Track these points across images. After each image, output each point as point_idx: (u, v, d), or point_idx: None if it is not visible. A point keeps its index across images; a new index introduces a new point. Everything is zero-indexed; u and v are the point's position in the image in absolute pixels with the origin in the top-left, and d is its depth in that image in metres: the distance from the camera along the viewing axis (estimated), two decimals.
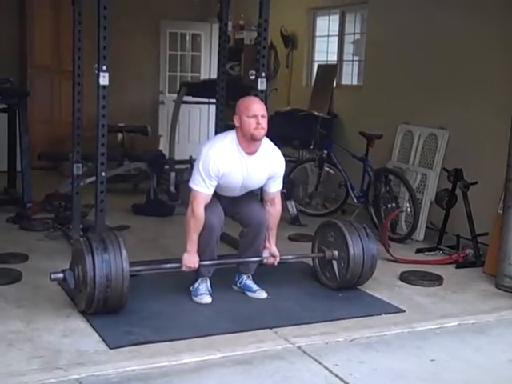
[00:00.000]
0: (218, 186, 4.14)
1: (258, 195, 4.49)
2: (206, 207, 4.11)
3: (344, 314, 4.14)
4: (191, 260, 4.12)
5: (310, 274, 4.84)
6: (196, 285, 4.29)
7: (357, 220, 6.25)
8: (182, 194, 4.29)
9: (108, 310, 3.86)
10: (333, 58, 7.95)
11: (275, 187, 4.32)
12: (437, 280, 4.85)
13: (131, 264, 3.91)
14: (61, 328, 3.72)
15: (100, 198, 4.59)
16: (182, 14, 9.20)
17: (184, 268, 4.14)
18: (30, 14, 8.86)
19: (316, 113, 7.11)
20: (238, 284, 4.45)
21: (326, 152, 6.85)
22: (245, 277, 4.45)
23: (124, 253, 3.84)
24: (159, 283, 4.53)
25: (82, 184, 5.48)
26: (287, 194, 6.55)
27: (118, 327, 3.75)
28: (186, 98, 7.64)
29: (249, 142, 4.08)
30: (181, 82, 8.66)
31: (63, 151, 6.93)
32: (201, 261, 4.18)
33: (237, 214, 4.36)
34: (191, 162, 6.38)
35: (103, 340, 3.57)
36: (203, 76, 10.01)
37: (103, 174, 4.60)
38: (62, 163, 8.18)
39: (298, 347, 3.62)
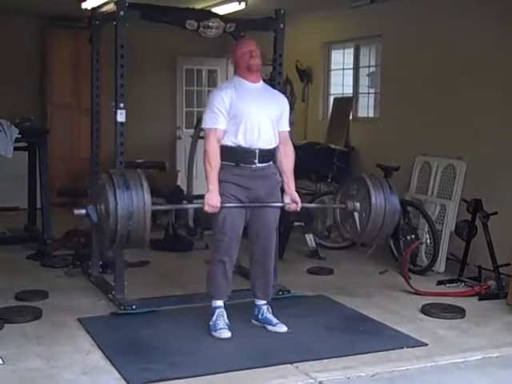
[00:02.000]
0: (241, 127, 4.11)
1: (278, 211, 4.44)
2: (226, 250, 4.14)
3: (365, 347, 4.08)
4: (213, 199, 4.09)
5: (329, 307, 4.79)
6: (214, 319, 4.26)
7: (376, 253, 6.26)
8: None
9: (131, 244, 3.90)
10: (348, 90, 7.99)
11: (285, 125, 4.37)
12: (459, 312, 4.78)
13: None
14: (80, 365, 3.71)
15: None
16: (197, 50, 9.31)
17: (207, 207, 4.11)
18: (49, 54, 9.05)
19: (333, 146, 7.12)
20: (259, 317, 4.40)
21: None
22: (264, 308, 4.40)
23: (145, 185, 3.88)
24: (178, 319, 4.51)
25: None
26: (306, 227, 6.54)
27: (138, 364, 3.73)
28: (203, 134, 7.67)
29: (248, 73, 4.23)
30: (197, 118, 8.71)
31: (82, 188, 6.99)
32: (218, 296, 4.20)
33: (253, 222, 4.31)
34: None
35: (123, 377, 3.55)
36: None
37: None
38: (81, 200, 8.22)
39: (320, 382, 3.57)
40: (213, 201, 4.09)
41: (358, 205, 4.49)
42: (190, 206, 4.24)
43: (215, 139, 4.13)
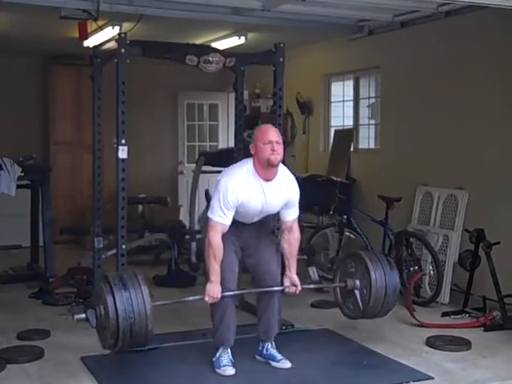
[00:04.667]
0: (236, 213, 4.14)
1: (277, 244, 4.44)
2: (222, 308, 4.14)
3: (370, 382, 4.05)
4: (214, 290, 4.08)
5: (333, 341, 4.75)
6: (218, 355, 4.22)
7: None
8: (203, 228, 4.36)
9: (135, 344, 3.85)
10: (349, 122, 8.03)
11: (292, 215, 4.31)
12: (465, 344, 4.73)
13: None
14: None
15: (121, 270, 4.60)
16: (198, 84, 9.38)
17: (207, 298, 4.09)
18: (51, 92, 9.13)
19: (334, 178, 7.13)
20: (264, 352, 4.37)
21: (345, 217, 6.82)
22: (268, 344, 4.37)
23: (142, 283, 3.89)
24: (181, 355, 4.48)
25: (103, 257, 5.50)
26: (308, 260, 6.51)
27: None
28: (205, 168, 7.71)
29: (265, 169, 4.11)
30: (199, 152, 8.76)
31: (84, 225, 7.00)
32: (218, 335, 4.19)
33: (251, 262, 4.33)
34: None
35: None
36: (221, 144, 10.12)
37: (124, 246, 4.63)
38: (83, 237, 8.24)
39: None
40: (214, 292, 4.09)
41: (357, 282, 4.50)
42: (190, 298, 4.26)
43: (221, 232, 4.11)
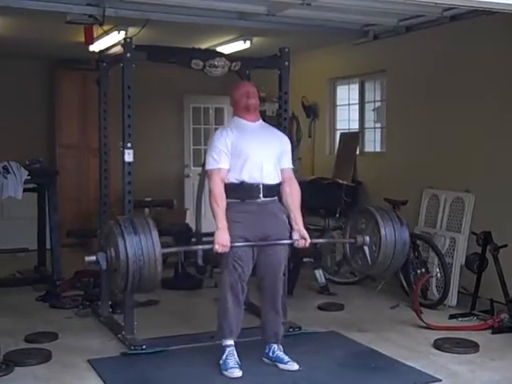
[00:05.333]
0: (244, 165, 4.17)
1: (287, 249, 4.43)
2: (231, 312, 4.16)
3: None
4: (223, 237, 4.09)
5: (340, 343, 4.75)
6: (224, 357, 4.23)
7: (386, 287, 6.22)
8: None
9: (143, 287, 3.93)
10: (355, 125, 8.03)
11: (288, 162, 4.41)
12: (472, 347, 4.72)
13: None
14: None
15: None
16: (204, 88, 9.40)
17: (217, 247, 4.10)
18: (58, 96, 9.15)
19: (340, 181, 7.13)
20: (270, 355, 4.36)
21: None
22: (275, 347, 4.37)
23: (153, 228, 3.94)
24: (188, 358, 4.48)
25: None
26: (315, 262, 6.51)
27: None
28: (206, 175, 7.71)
29: (246, 112, 4.32)
30: (205, 156, 8.77)
31: (91, 228, 7.01)
32: (228, 335, 4.20)
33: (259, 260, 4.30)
34: None
35: None
36: None
37: None
38: (90, 240, 8.25)
39: None
40: (223, 239, 4.10)
41: (367, 238, 4.50)
42: (200, 246, 4.24)
43: (219, 179, 4.17)
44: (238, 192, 4.19)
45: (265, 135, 4.36)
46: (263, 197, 4.24)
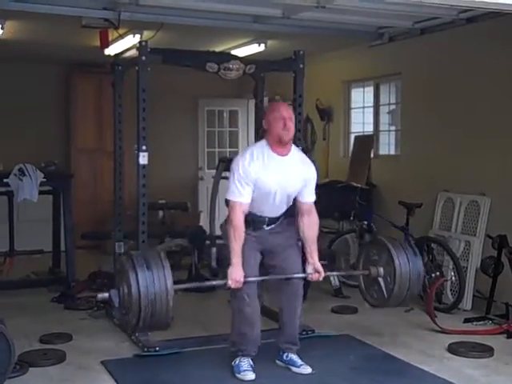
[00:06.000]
0: (257, 196, 4.10)
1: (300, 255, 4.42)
2: (245, 303, 4.10)
3: None
4: (237, 273, 4.03)
5: (354, 346, 4.73)
6: (238, 360, 4.22)
7: None
8: (224, 234, 4.34)
9: (156, 325, 3.87)
10: (369, 128, 8.01)
11: (310, 196, 4.27)
12: (487, 351, 4.69)
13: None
14: None
15: None
16: (218, 91, 9.43)
17: (230, 282, 4.04)
18: (73, 99, 9.23)
19: (355, 184, 7.12)
20: (284, 358, 4.35)
21: (366, 222, 6.80)
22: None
23: (167, 268, 3.88)
24: (201, 360, 4.49)
25: None
26: (329, 265, 6.48)
27: None
28: (225, 174, 7.73)
29: (278, 144, 4.11)
30: (219, 158, 8.77)
31: (105, 230, 7.05)
32: (245, 352, 4.18)
33: (274, 267, 4.28)
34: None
35: None
36: (241, 151, 10.11)
37: None
38: (104, 242, 8.29)
39: None
40: (237, 275, 4.04)
41: (381, 270, 4.44)
42: (214, 282, 4.22)
43: (241, 212, 4.08)
44: (245, 221, 4.15)
45: (290, 171, 4.16)
46: (267, 226, 4.27)
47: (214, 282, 4.22)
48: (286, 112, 4.15)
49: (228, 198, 4.10)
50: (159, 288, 3.80)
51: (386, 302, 4.39)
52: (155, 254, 4.00)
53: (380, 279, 4.43)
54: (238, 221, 4.05)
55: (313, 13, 5.69)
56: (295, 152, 4.25)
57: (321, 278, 4.31)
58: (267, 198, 4.16)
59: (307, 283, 5.70)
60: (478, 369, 4.40)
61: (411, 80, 7.07)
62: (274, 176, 4.10)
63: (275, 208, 4.23)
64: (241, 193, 4.06)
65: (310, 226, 4.29)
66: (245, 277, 4.05)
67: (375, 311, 5.85)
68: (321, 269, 4.28)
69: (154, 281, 3.79)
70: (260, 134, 4.42)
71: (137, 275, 3.79)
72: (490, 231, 5.84)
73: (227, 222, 4.13)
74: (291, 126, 4.12)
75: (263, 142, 4.19)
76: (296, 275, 4.25)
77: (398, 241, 4.54)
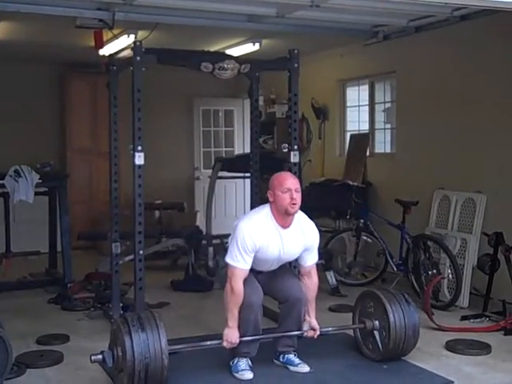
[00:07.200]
0: (254, 260, 4.14)
1: (294, 268, 4.46)
2: (245, 285, 4.11)
3: None
4: (233, 335, 4.08)
5: (352, 345, 4.73)
6: (236, 360, 4.23)
7: (397, 288, 6.17)
8: (220, 279, 4.30)
9: None
10: (364, 127, 8.02)
11: (311, 260, 4.33)
12: (485, 348, 4.70)
13: (171, 341, 3.89)
14: None
15: (139, 275, 4.63)
16: (214, 91, 9.43)
17: (225, 344, 4.10)
18: (68, 99, 9.20)
19: (351, 182, 7.12)
20: (281, 358, 4.37)
21: (362, 221, 6.81)
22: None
23: (162, 331, 3.82)
24: (199, 359, 4.47)
25: (121, 262, 5.52)
26: (326, 264, 6.49)
27: None
28: (221, 173, 7.74)
29: (283, 216, 4.12)
30: (215, 158, 8.79)
31: (102, 231, 7.04)
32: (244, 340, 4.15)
33: (273, 290, 4.35)
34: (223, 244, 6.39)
35: None
36: (237, 150, 10.15)
37: (141, 252, 4.64)
38: (100, 242, 8.28)
39: None
40: (232, 337, 4.08)
41: (376, 323, 4.42)
42: (208, 343, 4.21)
43: (241, 277, 4.10)
44: None
45: (291, 242, 4.18)
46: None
47: (208, 343, 4.21)
48: (292, 183, 4.12)
49: (229, 262, 4.12)
50: (154, 351, 3.75)
51: (381, 355, 4.39)
52: (150, 314, 3.96)
53: (375, 332, 4.43)
54: (239, 288, 4.08)
55: (307, 11, 5.69)
56: (298, 219, 4.22)
57: (315, 336, 4.34)
58: (265, 263, 4.26)
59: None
60: (475, 366, 4.40)
61: (406, 78, 7.08)
62: (274, 247, 4.15)
63: (273, 267, 4.34)
64: (243, 259, 4.09)
65: (309, 287, 4.35)
66: (240, 337, 4.10)
67: None
68: (317, 326, 4.33)
69: (148, 342, 3.75)
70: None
71: (131, 338, 3.75)
72: (486, 229, 5.85)
73: (227, 282, 4.13)
74: (298, 197, 4.09)
75: (268, 211, 4.17)
76: (292, 333, 4.30)
77: (393, 294, 4.49)
